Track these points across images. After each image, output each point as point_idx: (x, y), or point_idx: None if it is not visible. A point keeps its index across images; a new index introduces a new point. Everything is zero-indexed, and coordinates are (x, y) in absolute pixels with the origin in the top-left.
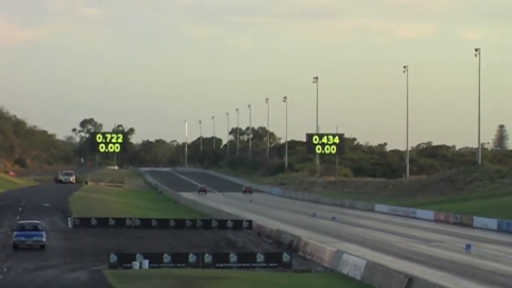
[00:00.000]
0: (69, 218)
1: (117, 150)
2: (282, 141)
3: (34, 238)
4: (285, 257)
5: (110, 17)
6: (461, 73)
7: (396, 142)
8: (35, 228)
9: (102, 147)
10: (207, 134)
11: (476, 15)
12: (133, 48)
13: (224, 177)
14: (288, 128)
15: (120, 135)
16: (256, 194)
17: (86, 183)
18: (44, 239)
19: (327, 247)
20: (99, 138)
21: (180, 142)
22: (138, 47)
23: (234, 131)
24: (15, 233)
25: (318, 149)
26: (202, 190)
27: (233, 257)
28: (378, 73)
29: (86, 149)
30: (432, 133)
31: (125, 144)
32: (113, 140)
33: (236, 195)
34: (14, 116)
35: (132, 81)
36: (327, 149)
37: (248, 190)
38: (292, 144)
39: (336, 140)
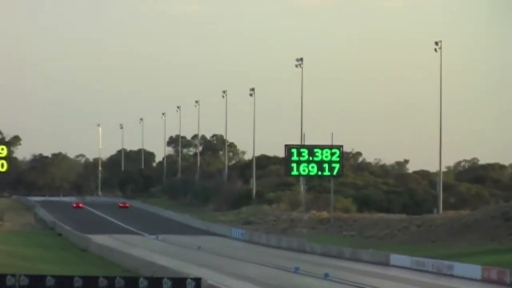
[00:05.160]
0: None
1: (2, 170)
2: (247, 156)
3: None
4: None
5: None
6: None
7: (423, 159)
8: None
9: None
10: (132, 146)
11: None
12: (22, 25)
13: (159, 212)
14: (257, 138)
15: (4, 147)
16: (208, 237)
17: None
18: None
19: None
20: None
21: (91, 157)
22: (29, 23)
23: (174, 141)
24: None
25: (303, 169)
26: (77, 206)
27: None
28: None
29: None
30: (479, 146)
31: (9, 160)
32: None
33: (177, 239)
34: None
35: (17, 69)
36: (318, 169)
37: (124, 206)
38: (264, 161)
39: (332, 155)
